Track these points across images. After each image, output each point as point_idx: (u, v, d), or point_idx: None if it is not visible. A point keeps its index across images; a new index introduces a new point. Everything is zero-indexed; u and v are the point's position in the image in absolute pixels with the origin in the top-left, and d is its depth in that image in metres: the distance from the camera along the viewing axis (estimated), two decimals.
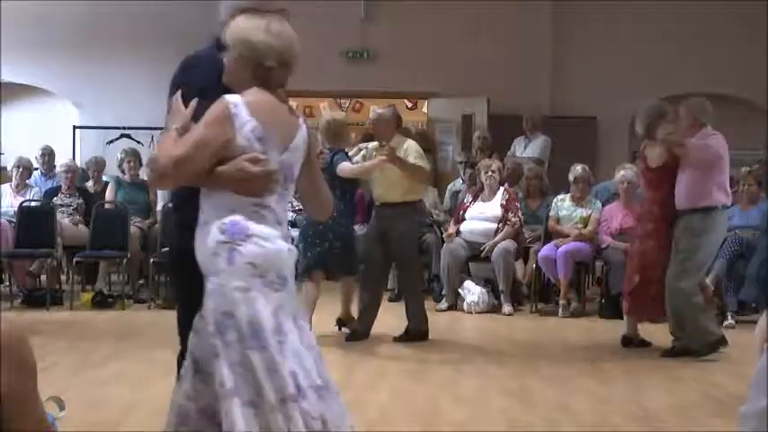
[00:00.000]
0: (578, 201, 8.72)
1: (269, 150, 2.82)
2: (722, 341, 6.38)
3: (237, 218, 2.78)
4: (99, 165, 10.10)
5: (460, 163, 10.65)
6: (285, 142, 2.87)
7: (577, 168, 8.82)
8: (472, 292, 8.43)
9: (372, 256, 6.99)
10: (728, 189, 6.58)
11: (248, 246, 2.76)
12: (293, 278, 2.89)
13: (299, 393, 2.70)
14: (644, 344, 6.75)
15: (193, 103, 2.86)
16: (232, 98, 2.80)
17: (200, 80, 3.01)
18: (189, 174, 2.77)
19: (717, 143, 6.50)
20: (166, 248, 8.78)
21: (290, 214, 8.45)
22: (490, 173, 8.72)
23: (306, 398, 2.71)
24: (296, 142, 2.90)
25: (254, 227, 2.79)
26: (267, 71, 2.85)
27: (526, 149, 10.83)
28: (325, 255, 6.77)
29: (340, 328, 7.16)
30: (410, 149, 6.80)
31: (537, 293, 8.70)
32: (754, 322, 6.23)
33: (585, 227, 8.55)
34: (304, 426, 2.68)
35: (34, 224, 8.64)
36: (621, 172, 8.67)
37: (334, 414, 2.78)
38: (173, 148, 2.75)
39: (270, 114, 2.84)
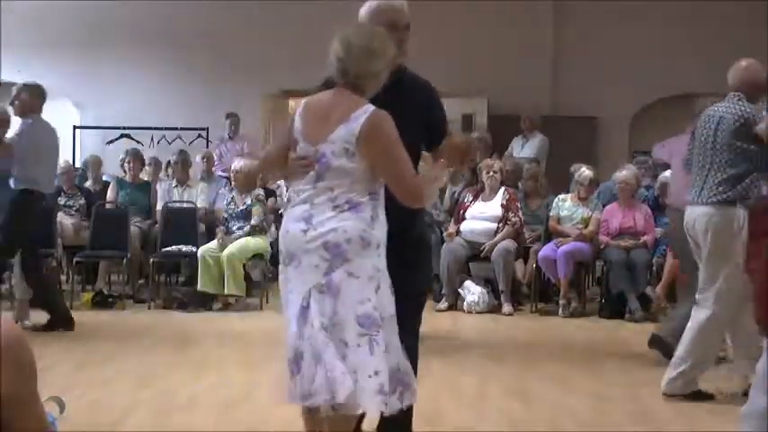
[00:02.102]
0: (582, 201, 8.71)
1: (302, 142, 3.32)
2: None
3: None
4: (96, 164, 10.09)
5: None
6: (318, 136, 3.27)
7: (586, 171, 8.79)
8: (472, 292, 8.43)
9: None
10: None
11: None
12: (311, 256, 3.22)
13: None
14: None
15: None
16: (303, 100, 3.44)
17: None
18: (273, 166, 3.61)
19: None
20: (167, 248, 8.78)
21: None
22: (492, 173, 8.72)
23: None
24: (334, 136, 3.25)
25: (286, 212, 3.42)
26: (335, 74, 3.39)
27: (523, 149, 10.84)
28: None
29: None
30: None
31: (537, 293, 8.71)
32: None
33: (586, 227, 8.55)
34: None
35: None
36: (617, 173, 8.68)
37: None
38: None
39: (309, 112, 3.36)
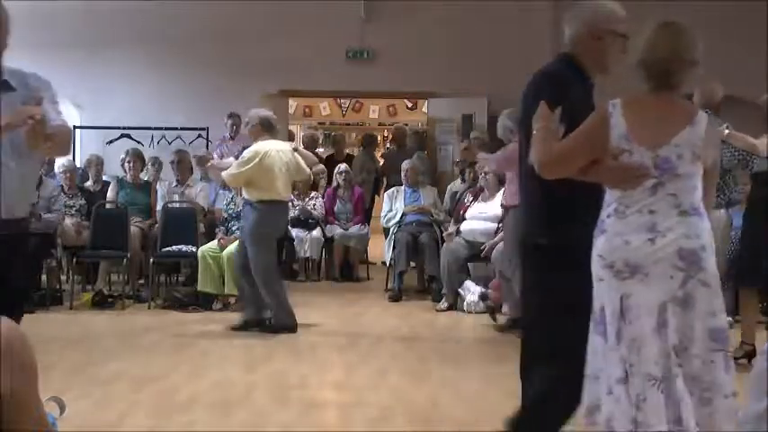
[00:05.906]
0: None
1: (635, 147, 3.08)
2: None
3: (603, 213, 3.11)
4: (98, 164, 10.09)
5: (458, 163, 10.64)
6: (658, 140, 3.08)
7: None
8: (472, 291, 8.42)
9: None
10: None
11: (600, 239, 3.09)
12: (663, 266, 2.99)
13: (625, 378, 2.96)
14: None
15: (558, 109, 3.35)
16: (613, 101, 3.24)
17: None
18: (564, 168, 3.15)
19: None
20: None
21: None
22: (483, 173, 8.71)
23: (631, 384, 2.94)
24: (679, 139, 3.08)
25: (608, 221, 3.09)
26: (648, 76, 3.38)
27: None
28: None
29: None
30: None
31: None
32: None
33: None
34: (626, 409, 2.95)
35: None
36: None
37: (654, 410, 2.91)
38: (549, 147, 3.19)
39: (634, 114, 3.17)
